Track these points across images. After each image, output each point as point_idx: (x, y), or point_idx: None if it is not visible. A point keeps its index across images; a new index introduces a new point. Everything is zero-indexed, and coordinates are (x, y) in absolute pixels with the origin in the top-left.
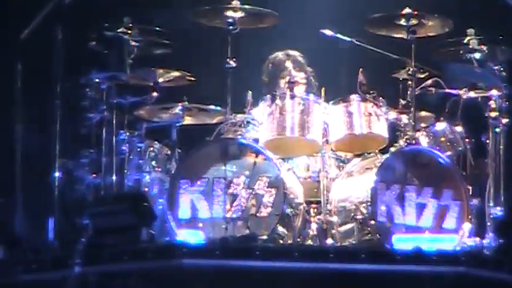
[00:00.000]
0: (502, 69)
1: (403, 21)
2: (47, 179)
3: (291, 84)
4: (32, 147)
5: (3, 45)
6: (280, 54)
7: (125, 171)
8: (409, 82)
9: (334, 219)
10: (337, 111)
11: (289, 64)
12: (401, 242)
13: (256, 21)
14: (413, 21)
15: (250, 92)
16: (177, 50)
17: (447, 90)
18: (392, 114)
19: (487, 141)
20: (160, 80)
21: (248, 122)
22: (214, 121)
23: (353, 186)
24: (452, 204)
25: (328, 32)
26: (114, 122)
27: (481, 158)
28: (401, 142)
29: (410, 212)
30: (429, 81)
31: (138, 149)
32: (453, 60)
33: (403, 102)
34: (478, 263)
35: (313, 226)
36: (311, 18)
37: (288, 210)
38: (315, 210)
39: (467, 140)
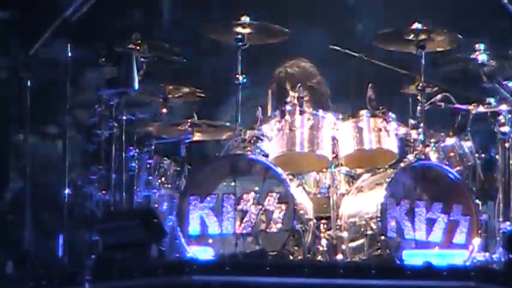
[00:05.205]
0: (511, 83)
1: (412, 36)
2: (56, 196)
3: (300, 99)
4: (42, 164)
5: (12, 61)
6: (280, 73)
7: (135, 187)
8: (418, 97)
9: (344, 234)
10: (346, 127)
11: (288, 85)
12: (411, 258)
13: (265, 37)
14: (422, 36)
15: (259, 108)
16: (187, 66)
17: (456, 105)
18: (402, 130)
19: (497, 156)
20: (170, 96)
21: (258, 138)
22: (224, 137)
23: (363, 201)
24: (462, 219)
25: (337, 48)
26: (123, 138)
27: (491, 173)
28: (411, 157)
29: (420, 228)
30: (438, 96)
31: (148, 166)
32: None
33: (412, 121)
34: (488, 277)
35: (323, 242)
36: (320, 33)
37: (298, 226)
38: (325, 225)
39: (476, 154)
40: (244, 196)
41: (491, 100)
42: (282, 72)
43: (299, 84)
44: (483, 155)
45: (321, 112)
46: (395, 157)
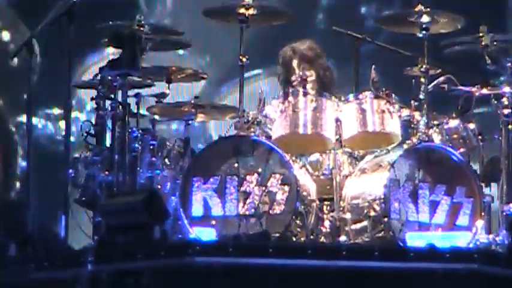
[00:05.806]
0: None
1: (415, 18)
2: (59, 176)
3: (303, 81)
4: (45, 145)
5: (16, 42)
6: (288, 51)
7: (138, 168)
8: (422, 79)
9: (347, 216)
10: (349, 108)
11: (295, 63)
12: (414, 240)
13: (269, 19)
14: (426, 18)
15: (262, 89)
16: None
17: (460, 87)
18: (405, 112)
19: (500, 138)
20: (173, 77)
21: (260, 120)
22: (227, 118)
23: (366, 183)
24: (465, 201)
25: (340, 29)
26: (126, 119)
27: (494, 155)
28: (414, 139)
29: (424, 210)
30: (442, 78)
31: (151, 147)
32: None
33: (415, 103)
34: (491, 260)
35: (326, 223)
36: (323, 15)
37: (301, 208)
38: (328, 207)
39: (480, 137)
40: (247, 177)
41: (495, 82)
42: (286, 52)
43: (303, 66)
44: (486, 137)
45: (324, 94)
46: (398, 139)
